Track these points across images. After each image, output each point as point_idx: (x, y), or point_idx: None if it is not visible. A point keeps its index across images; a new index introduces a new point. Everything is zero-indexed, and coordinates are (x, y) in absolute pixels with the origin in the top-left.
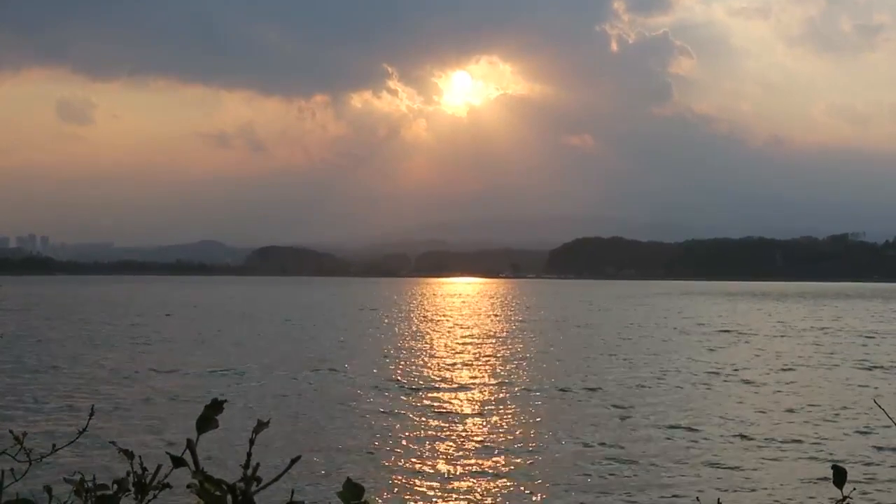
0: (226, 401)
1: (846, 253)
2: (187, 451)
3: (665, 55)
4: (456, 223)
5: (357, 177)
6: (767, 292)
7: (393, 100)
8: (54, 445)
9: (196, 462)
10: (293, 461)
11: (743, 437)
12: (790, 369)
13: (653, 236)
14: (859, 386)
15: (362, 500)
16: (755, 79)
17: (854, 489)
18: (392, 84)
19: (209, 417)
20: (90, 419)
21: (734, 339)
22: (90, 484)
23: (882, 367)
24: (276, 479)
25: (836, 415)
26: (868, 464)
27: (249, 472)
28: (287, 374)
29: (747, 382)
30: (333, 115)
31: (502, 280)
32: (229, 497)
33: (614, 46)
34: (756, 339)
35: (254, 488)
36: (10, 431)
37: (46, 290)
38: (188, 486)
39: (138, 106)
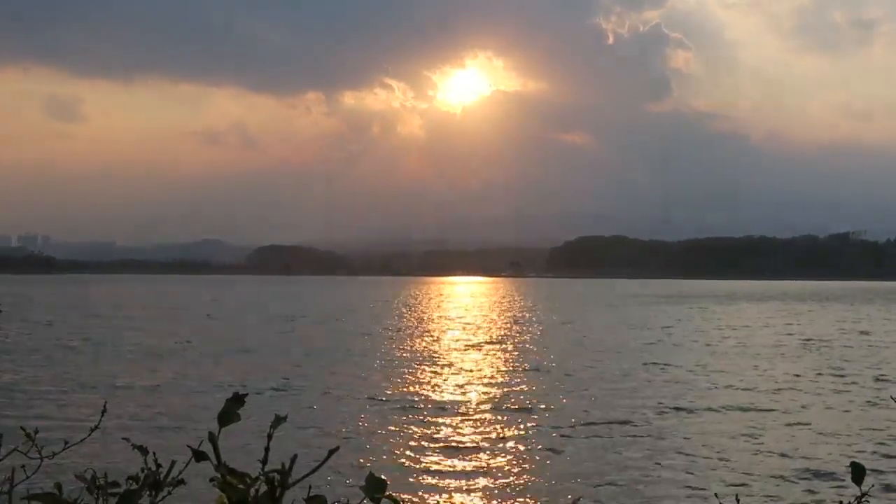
0: (247, 395)
1: (848, 252)
2: (208, 443)
3: (660, 49)
4: (456, 221)
5: (354, 175)
6: (768, 292)
7: (388, 96)
8: (66, 442)
9: (218, 455)
10: (331, 452)
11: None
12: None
13: (654, 235)
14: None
15: (385, 494)
16: (753, 74)
17: (873, 485)
18: (387, 80)
19: (231, 411)
20: (102, 416)
21: (742, 353)
22: (102, 481)
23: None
24: (312, 472)
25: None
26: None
27: (284, 465)
28: (285, 386)
29: (754, 402)
30: (328, 112)
31: (503, 279)
32: (252, 491)
33: (608, 40)
34: (766, 353)
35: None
36: (22, 428)
37: (55, 289)
38: (211, 480)
39: (128, 104)
